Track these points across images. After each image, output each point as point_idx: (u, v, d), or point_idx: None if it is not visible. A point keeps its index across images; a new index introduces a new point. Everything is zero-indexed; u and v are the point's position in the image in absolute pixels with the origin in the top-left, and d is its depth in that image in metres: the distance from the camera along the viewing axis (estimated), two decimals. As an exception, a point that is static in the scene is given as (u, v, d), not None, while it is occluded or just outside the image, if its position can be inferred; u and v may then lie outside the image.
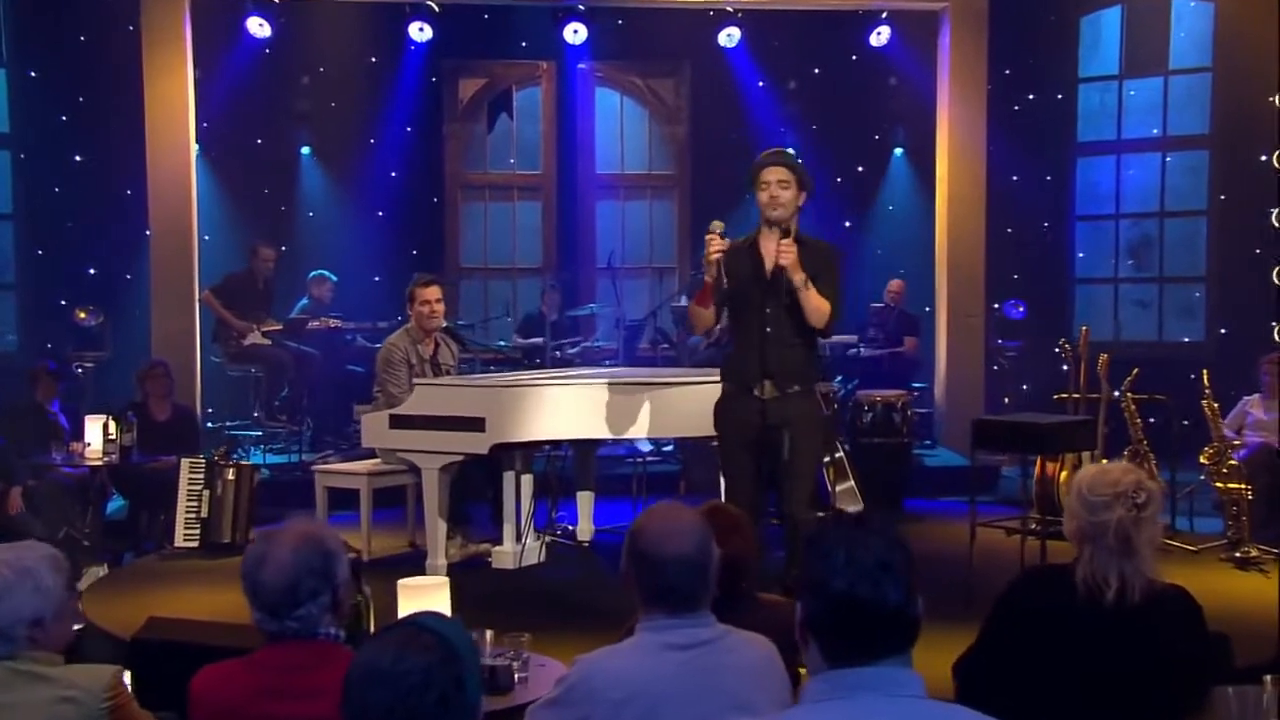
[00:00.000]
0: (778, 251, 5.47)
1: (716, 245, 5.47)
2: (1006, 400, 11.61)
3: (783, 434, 5.44)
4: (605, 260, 11.72)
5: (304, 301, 11.43)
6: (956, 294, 11.36)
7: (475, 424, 6.68)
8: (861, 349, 11.24)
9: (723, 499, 5.66)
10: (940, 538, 7.76)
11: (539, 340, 11.23)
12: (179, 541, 7.77)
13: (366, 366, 10.15)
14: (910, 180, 12.88)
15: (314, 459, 9.79)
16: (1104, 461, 7.94)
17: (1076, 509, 3.48)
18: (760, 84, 12.79)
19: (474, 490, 7.56)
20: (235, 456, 10.40)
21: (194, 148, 10.74)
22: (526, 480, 7.44)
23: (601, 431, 6.92)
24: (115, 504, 8.86)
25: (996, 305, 11.91)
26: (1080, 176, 12.96)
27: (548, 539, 7.68)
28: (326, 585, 3.02)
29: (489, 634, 4.12)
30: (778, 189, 5.53)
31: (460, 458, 6.88)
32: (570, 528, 8.05)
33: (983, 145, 11.43)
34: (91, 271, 11.80)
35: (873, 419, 8.98)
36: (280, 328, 10.64)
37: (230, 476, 7.78)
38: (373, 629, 4.09)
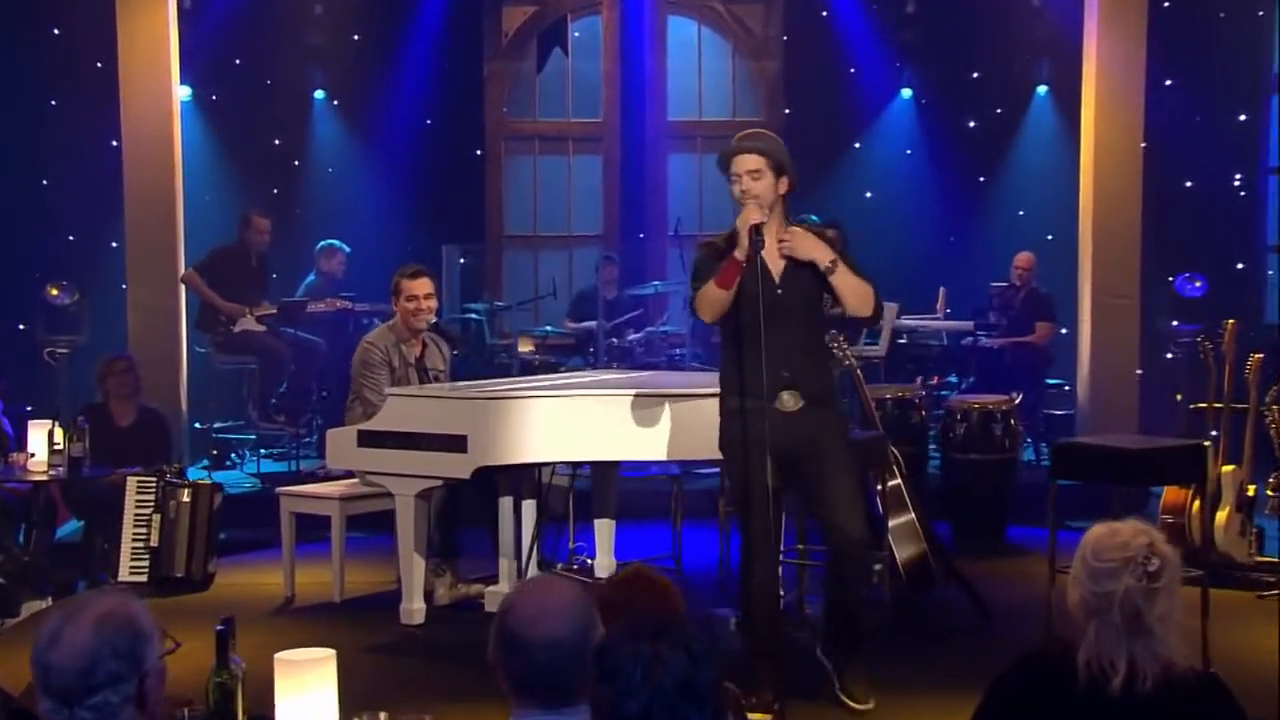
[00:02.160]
0: (780, 247, 5.60)
1: (757, 214, 5.60)
2: (1179, 397, 11.44)
3: (811, 452, 5.68)
4: (674, 227, 11.75)
5: (311, 278, 11.66)
6: (1104, 269, 11.18)
7: (456, 443, 6.78)
8: (978, 338, 11.15)
9: (744, 535, 5.78)
10: (1039, 578, 7.67)
11: (592, 324, 11.35)
12: (123, 575, 8.02)
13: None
14: (1058, 125, 12.73)
15: (316, 466, 10.01)
16: (1237, 497, 7.83)
17: (1080, 576, 3.48)
18: (869, 8, 12.75)
19: (466, 517, 7.70)
20: (228, 461, 10.71)
21: (178, 93, 10.96)
22: (528, 506, 7.53)
23: (611, 452, 6.99)
24: (74, 525, 9.14)
25: (1170, 279, 11.73)
26: (1280, 117, 12.68)
27: (559, 573, 7.78)
28: (131, 671, 3.11)
29: (383, 715, 4.25)
30: (748, 181, 5.67)
31: (439, 483, 7.02)
32: (589, 561, 8.15)
33: (1140, 81, 11.19)
34: (71, 238, 12.12)
35: (967, 430, 8.93)
36: (275, 311, 10.86)
37: (185, 498, 7.99)
38: (241, 712, 4.23)
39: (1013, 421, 9.03)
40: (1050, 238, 12.27)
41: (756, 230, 5.53)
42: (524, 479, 7.49)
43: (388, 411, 7.10)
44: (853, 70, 13.00)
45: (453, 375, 8.33)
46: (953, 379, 11.28)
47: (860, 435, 6.90)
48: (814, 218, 11.43)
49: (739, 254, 5.57)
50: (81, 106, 11.77)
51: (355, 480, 7.74)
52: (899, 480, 7.15)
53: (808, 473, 5.74)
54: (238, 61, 12.46)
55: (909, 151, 13.22)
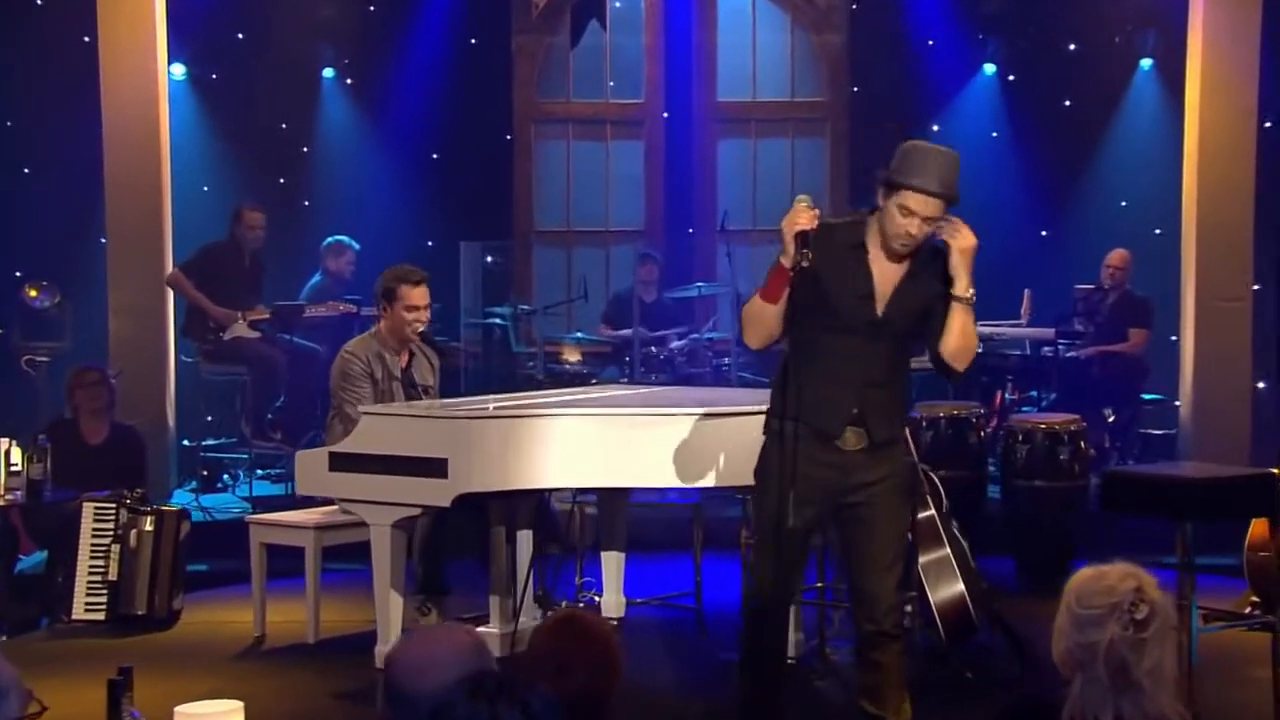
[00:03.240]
0: (939, 228, 5.35)
1: (806, 217, 5.36)
2: (1305, 413, 11.37)
3: (860, 501, 5.53)
4: (721, 220, 11.76)
5: (317, 278, 11.78)
6: (1210, 267, 11.07)
7: (434, 467, 6.84)
8: (1060, 348, 11.09)
9: (750, 579, 5.74)
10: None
11: (628, 332, 11.41)
12: (78, 613, 8.14)
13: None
14: (1166, 104, 12.61)
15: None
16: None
17: (1064, 625, 3.54)
18: (948, -29, 12.76)
19: (454, 545, 7.81)
20: (219, 484, 10.84)
21: (165, 71, 11.11)
22: (524, 536, 7.61)
23: (612, 478, 7.02)
24: (40, 556, 9.22)
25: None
26: None
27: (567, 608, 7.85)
28: (-22, 731, 3.22)
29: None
30: (920, 227, 5.37)
31: (417, 511, 7.10)
32: (596, 598, 8.25)
33: (1253, 53, 11.05)
34: (55, 233, 12.17)
35: (1030, 454, 8.90)
36: (268, 316, 10.95)
37: (147, 526, 8.12)
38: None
39: (1082, 444, 9.00)
40: (1158, 232, 12.17)
41: (803, 239, 5.31)
42: (519, 505, 7.58)
43: (361, 432, 7.17)
44: (930, 43, 12.95)
45: (467, 386, 8.38)
46: (1034, 394, 11.21)
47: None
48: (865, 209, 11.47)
49: (785, 261, 5.34)
50: (68, 85, 11.81)
51: (335, 507, 7.77)
52: (932, 511, 7.14)
53: (848, 520, 5.59)
54: (240, 36, 12.64)
55: (994, 135, 13.13)
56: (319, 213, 12.71)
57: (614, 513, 8.21)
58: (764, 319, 5.46)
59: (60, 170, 11.96)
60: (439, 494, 6.88)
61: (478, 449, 6.85)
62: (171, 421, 11.05)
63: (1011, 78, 13.05)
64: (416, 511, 7.11)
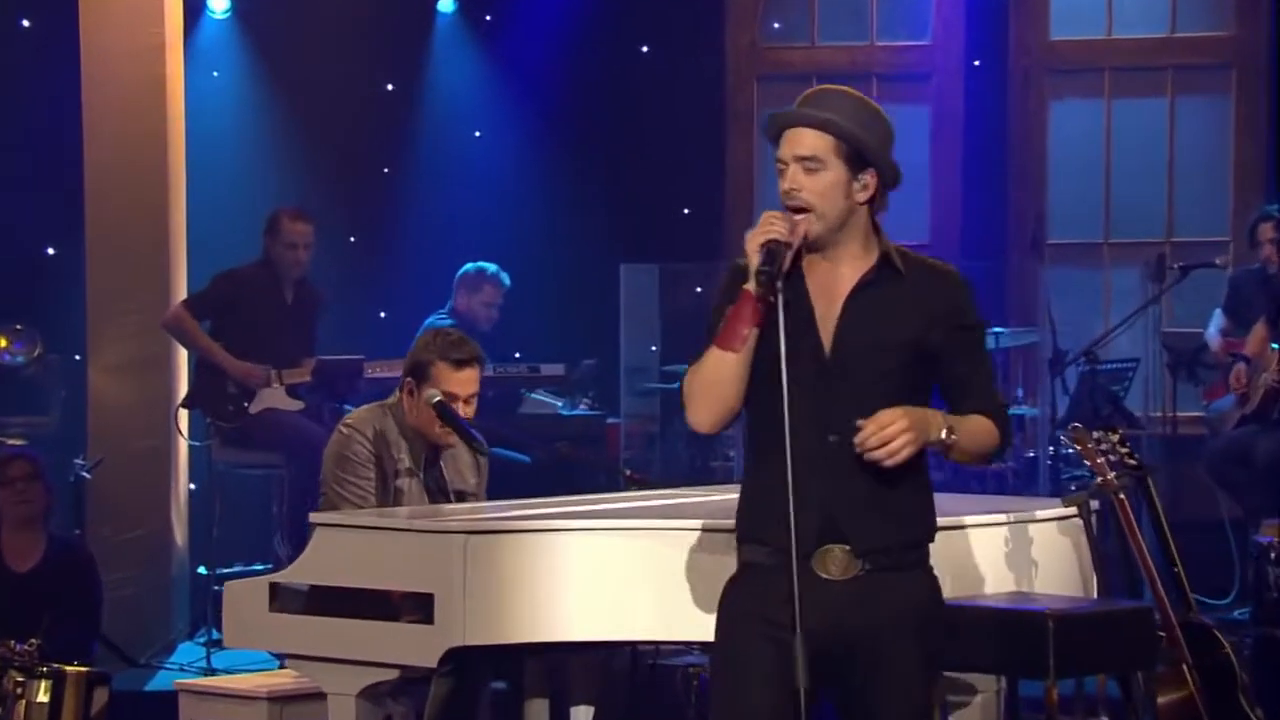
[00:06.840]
0: (864, 440, 5.25)
1: (780, 225, 5.31)
2: None
3: (863, 649, 5.46)
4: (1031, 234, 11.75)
5: (442, 316, 11.83)
6: None
7: (415, 606, 6.84)
8: None
9: None
10: None
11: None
12: (-61, 824, 8.31)
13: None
14: None
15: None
16: None
17: None
18: None
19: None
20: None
21: (177, 9, 11.41)
22: (583, 714, 7.67)
23: (673, 629, 6.85)
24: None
25: None
26: None
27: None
28: None
29: None
30: (798, 173, 5.39)
31: (391, 674, 7.07)
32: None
33: None
34: (50, 252, 12.77)
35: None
36: (309, 376, 10.99)
37: (41, 695, 8.23)
38: None
39: None
40: None
41: (769, 254, 5.27)
42: (573, 666, 7.66)
43: (314, 552, 7.13)
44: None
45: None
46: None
47: (1093, 607, 6.75)
48: (1275, 210, 11.29)
49: (751, 287, 5.26)
50: (68, 33, 11.94)
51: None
52: (1190, 690, 7.07)
53: (851, 679, 5.51)
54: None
55: None
56: (443, 220, 13.02)
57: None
58: (719, 378, 5.38)
59: (56, 157, 12.25)
60: (421, 649, 6.82)
61: (478, 579, 6.77)
62: (180, 537, 11.35)
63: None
64: (391, 675, 7.03)
